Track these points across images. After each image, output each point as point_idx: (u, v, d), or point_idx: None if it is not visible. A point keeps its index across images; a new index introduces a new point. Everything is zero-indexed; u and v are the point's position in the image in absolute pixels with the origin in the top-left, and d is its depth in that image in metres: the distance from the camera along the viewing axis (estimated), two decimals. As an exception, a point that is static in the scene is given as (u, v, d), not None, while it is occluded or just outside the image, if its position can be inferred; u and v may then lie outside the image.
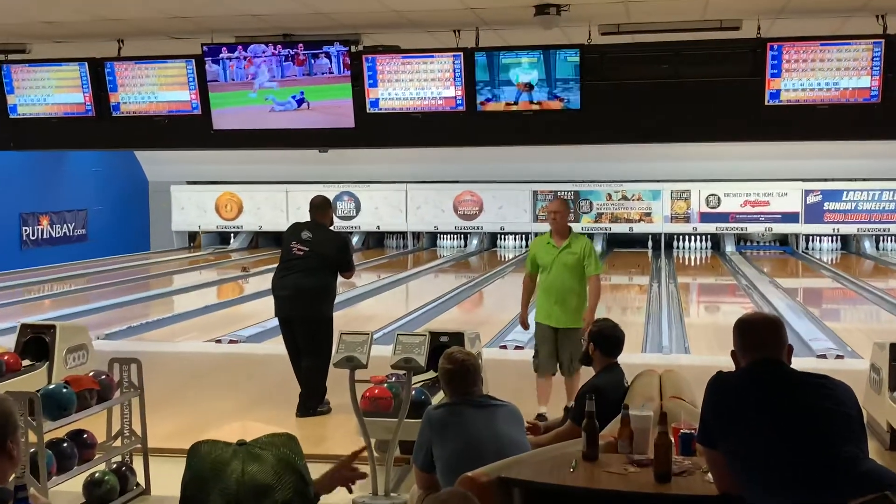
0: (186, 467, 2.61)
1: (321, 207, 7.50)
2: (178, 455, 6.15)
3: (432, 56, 7.77)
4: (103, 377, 5.21)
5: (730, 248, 20.72)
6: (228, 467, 2.53)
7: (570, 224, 7.25)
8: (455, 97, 7.74)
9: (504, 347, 9.74)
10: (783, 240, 21.35)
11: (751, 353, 3.22)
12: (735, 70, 7.41)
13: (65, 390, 4.88)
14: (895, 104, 7.11)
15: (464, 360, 4.18)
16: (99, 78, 8.37)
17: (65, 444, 4.86)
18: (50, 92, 8.53)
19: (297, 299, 7.16)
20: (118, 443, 5.31)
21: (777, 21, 7.34)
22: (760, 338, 3.24)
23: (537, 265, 7.13)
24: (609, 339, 5.06)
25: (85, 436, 5.04)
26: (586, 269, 6.95)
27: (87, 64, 8.39)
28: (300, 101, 8.02)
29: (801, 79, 7.20)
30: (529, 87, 7.59)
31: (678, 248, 21.19)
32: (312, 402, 7.20)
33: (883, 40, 7.04)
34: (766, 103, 7.28)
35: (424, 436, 4.11)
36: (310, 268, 7.18)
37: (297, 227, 7.47)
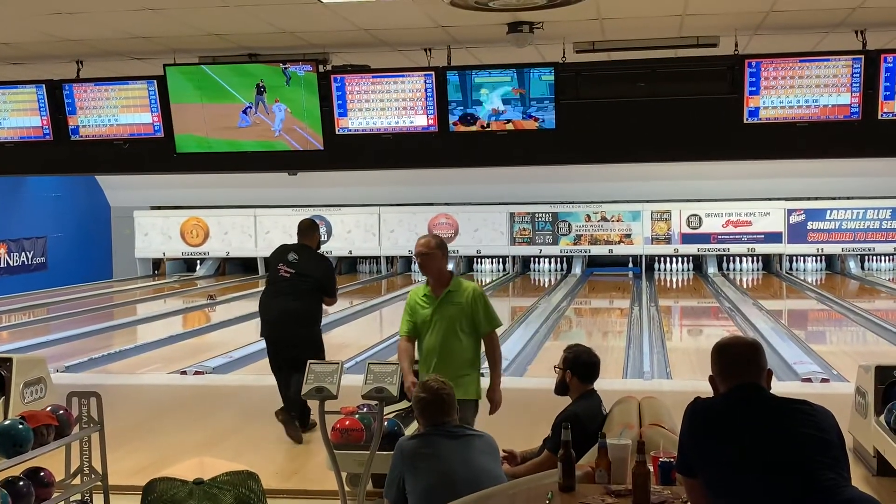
0: (143, 501, 2.38)
1: (308, 230, 7.56)
2: (141, 493, 5.90)
3: (403, 75, 7.63)
4: (61, 412, 5.05)
5: (712, 269, 20.71)
6: None
7: (448, 268, 5.61)
8: (427, 117, 7.59)
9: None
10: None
11: (729, 379, 3.17)
12: (713, 87, 7.35)
13: (21, 426, 4.71)
14: (875, 121, 7.06)
15: (438, 389, 4.12)
16: (57, 100, 8.18)
17: (21, 483, 4.65)
18: (6, 115, 8.34)
19: (283, 322, 7.20)
20: (77, 480, 5.14)
21: (755, 37, 7.30)
22: (739, 362, 3.18)
23: (413, 324, 5.58)
24: (586, 364, 4.93)
25: (42, 474, 4.83)
26: (478, 325, 5.42)
27: (44, 86, 8.21)
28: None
29: (779, 96, 7.14)
30: (503, 106, 7.45)
31: (659, 269, 21.16)
32: (306, 419, 7.25)
33: (862, 56, 7.01)
34: (745, 121, 7.21)
35: (396, 468, 4.03)
36: (296, 290, 7.19)
37: (284, 249, 7.53)
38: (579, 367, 4.92)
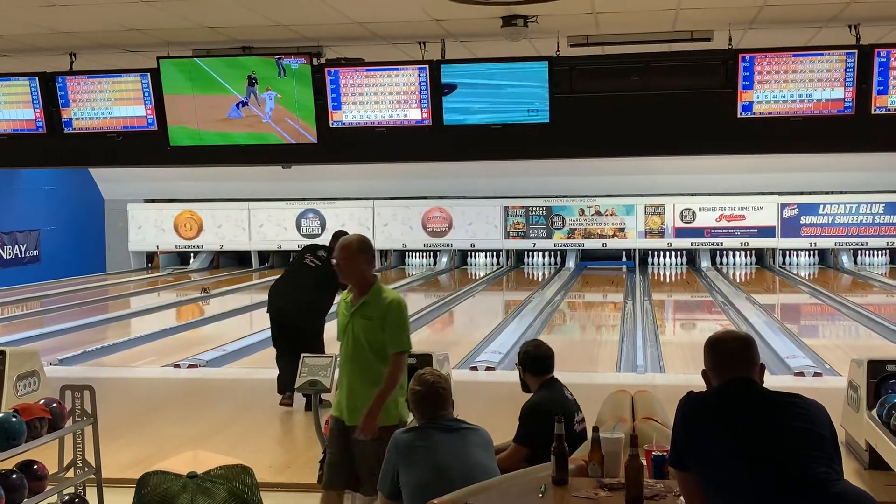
0: (134, 499, 2.38)
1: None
2: (134, 486, 5.90)
3: (397, 69, 7.61)
4: (55, 405, 5.03)
5: (705, 263, 20.71)
6: (177, 501, 2.31)
7: (373, 274, 4.79)
8: (421, 111, 7.58)
9: (475, 369, 9.55)
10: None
11: (722, 373, 3.17)
12: (707, 82, 7.35)
13: (14, 419, 4.67)
14: (869, 116, 7.06)
15: (434, 383, 4.11)
16: (50, 93, 8.15)
17: (14, 476, 4.63)
18: (-2, 108, 8.27)
19: (290, 309, 7.94)
20: (70, 474, 5.12)
21: (749, 32, 7.30)
22: (731, 357, 3.18)
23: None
24: (535, 358, 4.96)
25: (35, 467, 4.82)
26: (387, 344, 4.62)
27: (37, 78, 8.17)
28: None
29: (773, 90, 7.14)
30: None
31: (653, 264, 21.15)
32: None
33: (856, 51, 7.01)
34: (739, 115, 7.21)
35: (391, 461, 4.02)
36: (315, 281, 7.91)
37: (315, 246, 8.41)
38: (529, 362, 4.95)
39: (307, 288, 7.94)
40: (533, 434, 4.52)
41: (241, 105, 7.83)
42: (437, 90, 7.51)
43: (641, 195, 20.75)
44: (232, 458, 2.41)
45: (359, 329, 4.66)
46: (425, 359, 6.29)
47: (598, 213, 20.99)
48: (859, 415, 6.21)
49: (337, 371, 5.32)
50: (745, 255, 21.15)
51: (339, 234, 7.97)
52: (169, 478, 2.39)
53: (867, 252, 20.66)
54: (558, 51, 7.47)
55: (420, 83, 7.55)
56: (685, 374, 8.94)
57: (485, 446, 4.09)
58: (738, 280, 18.90)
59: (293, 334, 7.77)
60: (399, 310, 4.66)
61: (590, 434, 3.92)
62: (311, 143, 7.84)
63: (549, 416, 4.28)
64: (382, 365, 4.61)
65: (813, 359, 9.92)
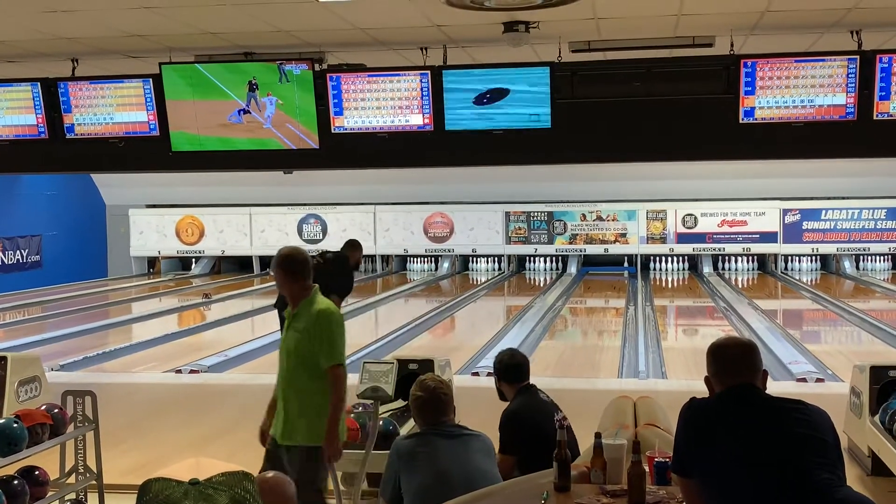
0: (138, 501, 2.37)
1: (352, 246, 9.05)
2: (136, 492, 5.88)
3: (399, 74, 7.62)
4: (56, 411, 5.03)
5: (707, 269, 20.69)
6: None
7: (307, 285, 4.60)
8: (422, 116, 7.58)
9: (476, 374, 9.54)
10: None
11: (724, 379, 3.16)
12: (708, 87, 7.35)
13: (15, 425, 4.69)
14: (871, 122, 7.06)
15: (435, 388, 4.11)
16: (52, 98, 8.16)
17: (15, 482, 4.64)
18: (1, 113, 8.31)
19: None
20: (72, 479, 5.13)
21: (751, 37, 7.30)
22: (734, 363, 3.18)
23: None
24: (509, 367, 4.98)
25: (37, 473, 4.82)
26: (320, 358, 4.44)
27: (39, 84, 8.18)
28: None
29: (775, 96, 7.14)
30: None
31: (655, 269, 21.13)
32: None
33: (858, 57, 7.01)
34: (741, 121, 7.21)
35: (392, 467, 4.00)
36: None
37: (325, 251, 9.08)
38: (503, 371, 4.98)
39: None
40: (514, 441, 4.55)
41: (242, 112, 7.83)
42: (439, 95, 7.51)
43: (643, 200, 20.74)
44: (233, 464, 2.41)
45: (291, 342, 4.55)
46: (427, 364, 6.29)
47: (599, 218, 20.97)
48: (862, 421, 6.20)
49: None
50: (747, 261, 21.12)
51: (352, 243, 8.34)
52: (171, 484, 2.39)
53: (869, 257, 20.63)
54: (560, 56, 7.47)
55: (422, 89, 7.55)
56: (687, 380, 8.93)
57: (486, 452, 4.08)
58: (740, 285, 18.88)
59: None
60: (327, 321, 4.48)
61: (592, 439, 3.90)
62: (313, 149, 7.85)
63: (526, 421, 4.50)
64: (314, 381, 4.44)
65: (815, 364, 9.91)
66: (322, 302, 4.57)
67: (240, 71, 7.77)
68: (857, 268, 20.55)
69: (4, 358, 7.34)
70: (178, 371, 10.05)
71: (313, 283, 4.59)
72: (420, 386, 4.14)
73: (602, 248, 21.01)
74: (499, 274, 20.97)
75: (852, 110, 7.06)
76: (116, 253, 22.51)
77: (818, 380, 9.09)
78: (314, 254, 8.39)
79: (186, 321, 15.61)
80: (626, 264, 21.23)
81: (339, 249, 9.13)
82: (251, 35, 7.30)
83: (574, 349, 12.13)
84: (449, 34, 7.23)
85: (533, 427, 4.54)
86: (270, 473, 3.21)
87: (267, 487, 3.01)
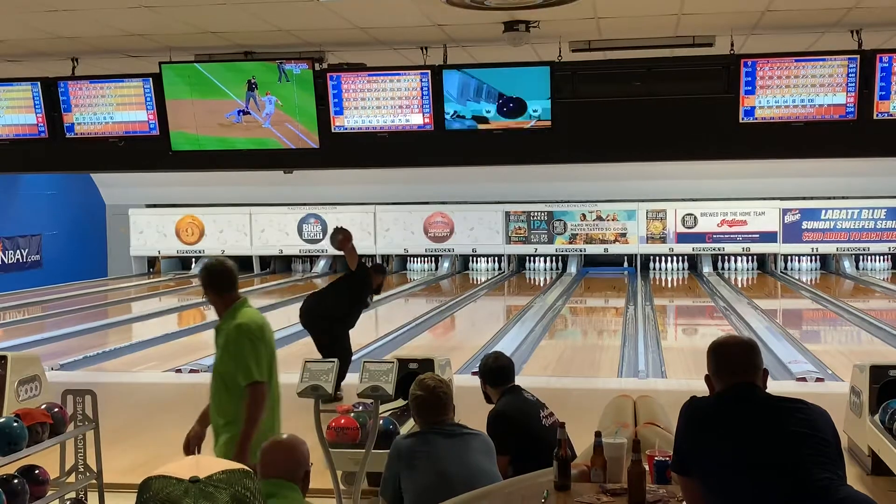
0: (138, 500, 2.35)
1: (378, 270, 9.35)
2: (136, 491, 5.88)
3: (399, 74, 7.61)
4: (56, 410, 5.05)
5: (707, 268, 20.68)
6: None
7: (232, 298, 4.44)
8: (423, 116, 7.58)
9: (476, 374, 9.51)
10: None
11: (725, 378, 3.17)
12: (708, 87, 7.34)
13: (15, 424, 4.70)
14: (871, 121, 7.05)
15: (435, 388, 4.11)
16: (52, 98, 8.14)
17: (15, 481, 4.66)
18: (1, 113, 8.30)
19: (307, 313, 8.75)
20: (72, 478, 5.14)
21: (751, 37, 7.29)
22: (734, 362, 3.18)
23: None
24: (494, 370, 5.01)
25: (37, 472, 4.85)
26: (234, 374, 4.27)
27: (39, 83, 8.16)
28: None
29: (775, 96, 7.13)
30: (499, 104, 7.44)
31: (654, 269, 21.12)
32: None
33: (858, 56, 7.00)
34: (741, 121, 7.20)
35: (392, 467, 4.00)
36: (333, 288, 8.93)
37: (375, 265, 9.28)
38: (487, 374, 5.01)
39: (322, 296, 9.01)
40: (504, 441, 4.54)
41: (242, 113, 7.83)
42: (439, 95, 7.51)
43: (643, 200, 20.73)
44: (234, 462, 2.40)
45: (217, 358, 4.41)
46: (427, 364, 6.29)
47: (599, 218, 20.96)
48: (862, 420, 6.20)
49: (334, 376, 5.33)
50: (747, 261, 21.12)
51: (378, 268, 9.24)
52: (171, 482, 2.37)
53: (869, 257, 20.62)
54: (560, 56, 7.46)
55: (422, 88, 7.55)
56: (687, 379, 8.94)
57: (486, 451, 4.08)
58: (739, 285, 18.88)
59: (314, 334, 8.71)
60: (238, 335, 4.25)
61: (592, 438, 3.91)
62: (313, 148, 7.84)
63: (512, 420, 4.62)
64: (233, 399, 4.26)
65: (815, 364, 9.91)
66: (242, 315, 4.34)
67: (239, 70, 7.77)
68: (857, 267, 20.54)
69: (4, 357, 7.33)
70: (178, 370, 10.05)
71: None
72: (419, 385, 4.14)
73: (602, 248, 21.00)
74: (499, 273, 20.97)
75: (852, 110, 7.06)
76: (116, 252, 22.50)
77: (818, 379, 9.10)
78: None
79: (186, 321, 15.62)
80: (625, 265, 21.22)
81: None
82: (251, 34, 7.29)
83: (574, 349, 12.13)
84: (449, 33, 7.23)
85: (520, 425, 4.62)
86: (284, 435, 3.26)
87: (280, 448, 3.06)
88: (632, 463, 3.45)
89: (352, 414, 5.70)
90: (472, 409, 6.43)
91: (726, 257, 21.13)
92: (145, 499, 2.34)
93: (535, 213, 20.92)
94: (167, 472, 2.30)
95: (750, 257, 21.09)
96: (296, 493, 3.09)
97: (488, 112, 7.45)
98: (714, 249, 20.86)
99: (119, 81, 8.06)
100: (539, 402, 4.91)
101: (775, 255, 20.79)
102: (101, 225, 22.44)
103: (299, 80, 7.65)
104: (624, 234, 20.94)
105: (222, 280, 4.44)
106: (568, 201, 20.93)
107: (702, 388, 3.27)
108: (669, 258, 21.22)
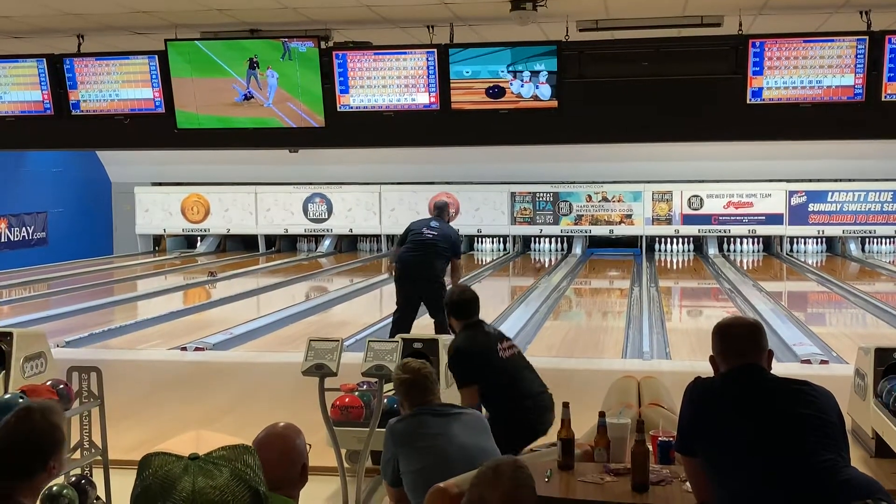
0: (137, 480, 2.36)
1: (442, 208, 9.63)
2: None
3: (405, 52, 7.58)
4: (61, 387, 5.05)
5: (712, 250, 20.64)
6: (179, 483, 2.29)
7: None
8: (429, 95, 7.55)
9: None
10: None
11: (729, 359, 3.17)
12: (716, 67, 7.31)
13: (21, 400, 4.60)
14: (879, 103, 7.01)
15: (420, 369, 4.13)
16: (58, 75, 8.14)
17: (20, 458, 4.64)
18: (6, 89, 8.30)
19: (418, 270, 8.85)
20: (77, 455, 5.13)
21: (759, 17, 7.25)
22: (739, 343, 3.18)
23: None
24: (459, 303, 5.16)
25: (42, 448, 4.83)
26: None
27: (45, 60, 8.16)
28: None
29: (783, 76, 7.10)
30: (508, 83, 7.41)
31: (660, 250, 21.08)
32: None
33: (867, 37, 6.95)
34: (748, 101, 7.16)
35: (389, 450, 4.00)
36: (435, 249, 8.88)
37: (426, 220, 9.39)
38: (454, 307, 5.14)
39: (428, 254, 8.95)
40: (465, 374, 4.86)
41: (247, 97, 7.80)
42: (445, 74, 7.48)
43: (649, 182, 20.64)
44: (236, 438, 2.40)
45: None
46: (431, 343, 6.27)
47: (605, 199, 20.89)
48: (866, 402, 6.19)
49: (343, 355, 5.34)
50: (753, 243, 21.04)
51: (438, 203, 9.67)
52: (171, 459, 2.37)
53: (875, 240, 20.54)
54: (567, 35, 7.42)
55: (428, 67, 7.52)
56: (691, 360, 8.92)
57: (481, 428, 4.07)
58: (745, 267, 18.83)
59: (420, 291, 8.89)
60: None
61: (596, 418, 3.91)
62: (319, 127, 7.82)
63: (469, 354, 4.90)
64: None
65: (820, 346, 9.89)
66: None
67: (240, 48, 7.73)
68: (863, 250, 20.47)
69: (10, 334, 7.32)
70: (184, 348, 10.06)
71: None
72: (404, 369, 4.15)
73: (608, 229, 20.95)
74: (504, 254, 20.95)
75: (861, 91, 7.02)
76: (122, 230, 22.51)
77: (823, 362, 9.08)
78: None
79: (191, 299, 15.64)
80: (636, 248, 21.15)
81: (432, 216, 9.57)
82: (257, 11, 7.26)
83: (578, 329, 12.13)
84: (456, 12, 7.19)
85: (477, 359, 4.87)
86: (281, 423, 3.21)
87: (274, 449, 3.00)
88: (635, 443, 3.46)
89: (356, 393, 5.70)
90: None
91: (732, 239, 21.06)
92: (145, 476, 2.34)
93: (541, 194, 20.85)
94: (168, 448, 2.30)
95: (756, 239, 21.01)
96: None
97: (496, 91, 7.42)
98: (720, 231, 20.79)
99: (125, 59, 8.05)
100: (499, 334, 5.11)
101: (781, 238, 20.71)
102: (106, 203, 22.44)
103: (303, 58, 7.62)
104: (630, 216, 20.88)
105: None
106: (573, 182, 20.86)
107: (706, 370, 3.26)
108: (675, 240, 21.16)
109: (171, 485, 2.28)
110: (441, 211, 9.55)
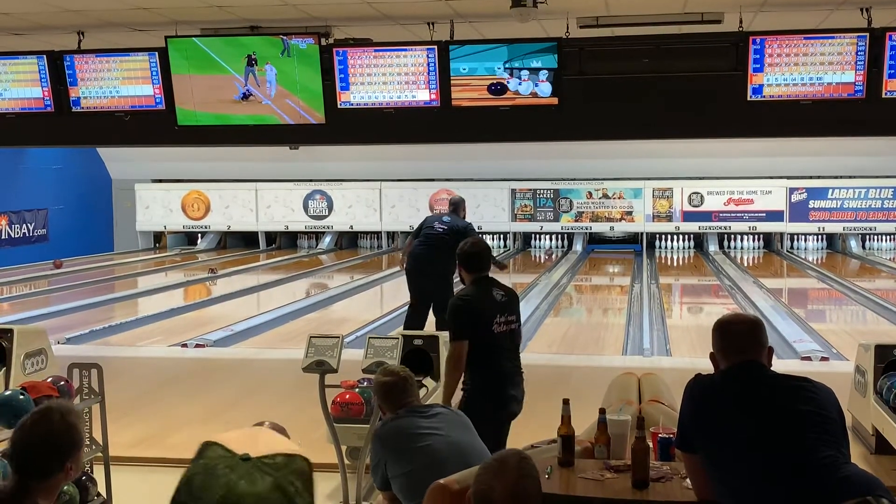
0: (192, 463, 2.31)
1: (458, 204, 9.60)
2: (141, 464, 5.91)
3: (405, 49, 7.57)
4: (62, 383, 5.05)
5: (713, 247, 20.63)
6: (220, 480, 2.26)
7: None
8: (429, 92, 7.55)
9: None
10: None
11: (730, 356, 3.17)
12: (717, 64, 7.30)
13: (21, 397, 4.70)
14: (880, 100, 7.01)
15: (399, 371, 4.15)
16: (58, 72, 8.13)
17: (21, 454, 4.64)
18: (7, 86, 8.28)
19: (425, 266, 8.96)
20: (78, 452, 5.10)
21: (759, 14, 7.24)
22: (739, 340, 3.18)
23: None
24: (470, 255, 5.13)
25: (42, 445, 4.83)
26: None
27: (45, 57, 8.14)
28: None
29: (784, 73, 7.09)
30: (505, 81, 7.41)
31: (660, 247, 21.07)
32: None
33: (867, 34, 6.95)
34: (749, 98, 7.15)
35: (377, 454, 3.97)
36: (444, 244, 8.71)
37: (438, 214, 9.72)
38: (465, 258, 5.11)
39: (438, 250, 8.91)
40: (459, 328, 4.77)
41: (246, 96, 7.79)
42: (446, 70, 7.47)
43: (649, 178, 20.63)
44: (294, 445, 2.33)
45: None
46: (432, 340, 6.28)
47: (605, 196, 20.88)
48: (866, 399, 6.19)
49: (343, 351, 5.35)
50: (753, 240, 21.04)
51: (453, 199, 9.54)
52: (225, 454, 2.32)
53: (875, 237, 20.54)
54: (568, 32, 7.42)
55: (428, 64, 7.51)
56: (692, 357, 8.92)
57: (465, 426, 4.05)
58: (745, 264, 18.83)
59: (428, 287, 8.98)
60: None
61: (597, 415, 3.91)
62: (319, 124, 7.82)
63: (468, 311, 4.81)
64: None
65: (820, 343, 9.89)
66: None
67: (239, 45, 7.72)
68: (864, 247, 20.46)
69: (11, 330, 7.32)
70: (184, 345, 10.07)
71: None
72: (385, 372, 4.15)
73: (608, 226, 20.94)
74: (504, 251, 20.95)
75: (861, 88, 7.01)
76: (122, 227, 22.51)
77: (823, 358, 9.08)
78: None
79: (192, 296, 15.63)
80: (636, 245, 21.14)
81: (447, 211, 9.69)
82: (258, 8, 7.26)
83: (579, 326, 12.13)
84: (456, 9, 7.18)
85: (473, 318, 4.78)
86: (266, 423, 3.19)
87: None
88: (636, 440, 3.45)
89: (357, 389, 5.70)
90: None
91: (732, 236, 21.06)
92: (196, 461, 2.30)
93: (541, 191, 20.85)
94: (227, 440, 2.24)
95: (756, 236, 21.01)
96: None
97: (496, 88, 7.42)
98: (720, 228, 20.78)
99: (125, 55, 8.04)
100: (505, 304, 4.96)
101: (781, 235, 20.71)
102: (107, 199, 22.44)
103: (303, 55, 7.61)
104: (630, 213, 20.87)
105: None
106: (574, 179, 20.85)
107: (706, 366, 3.26)
108: (675, 236, 21.16)
109: (213, 480, 2.26)
110: (456, 207, 9.57)
